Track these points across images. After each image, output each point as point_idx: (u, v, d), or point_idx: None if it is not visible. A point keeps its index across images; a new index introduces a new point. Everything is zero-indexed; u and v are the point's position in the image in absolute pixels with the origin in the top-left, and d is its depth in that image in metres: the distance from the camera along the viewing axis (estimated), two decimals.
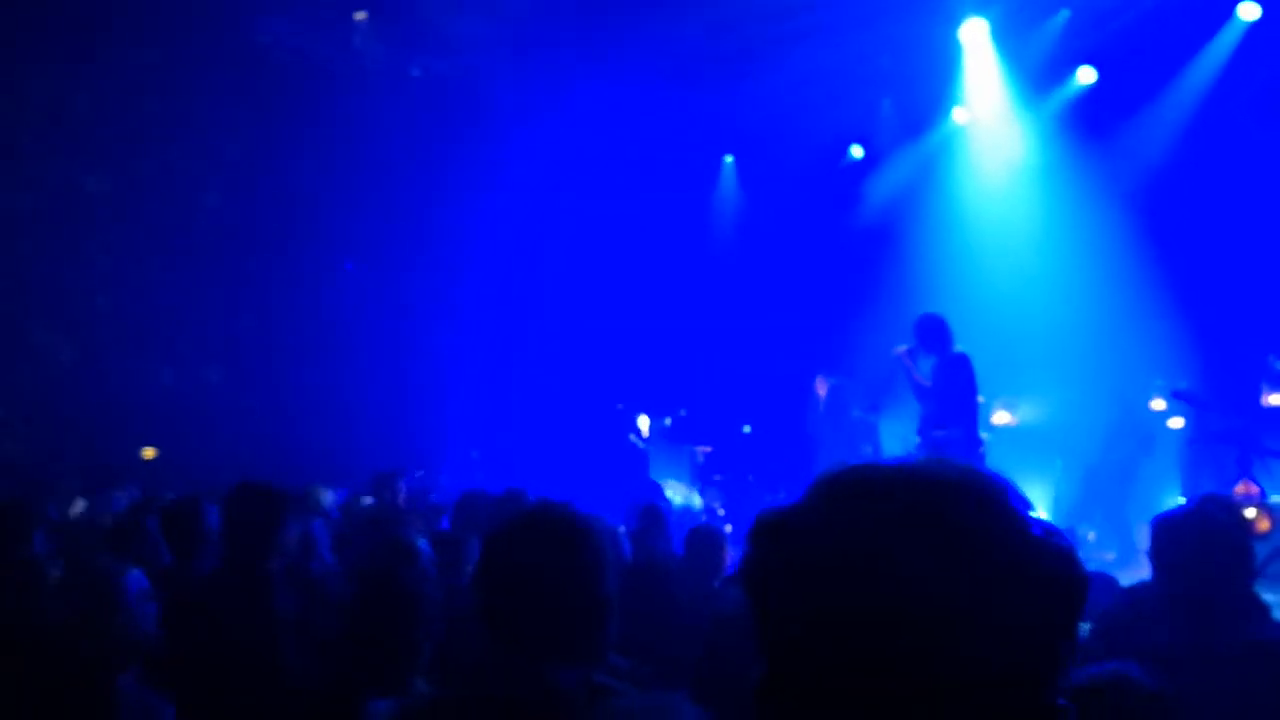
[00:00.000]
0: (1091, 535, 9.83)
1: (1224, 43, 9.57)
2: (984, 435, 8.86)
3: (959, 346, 7.02)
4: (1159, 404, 9.39)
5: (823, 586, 0.78)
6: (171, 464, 11.37)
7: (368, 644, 2.37)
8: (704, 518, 10.25)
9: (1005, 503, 0.82)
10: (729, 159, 13.52)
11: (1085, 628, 5.09)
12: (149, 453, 12.49)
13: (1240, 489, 6.60)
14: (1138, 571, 7.96)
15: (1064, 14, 9.98)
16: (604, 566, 1.80)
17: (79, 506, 7.47)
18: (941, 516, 0.79)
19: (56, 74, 10.29)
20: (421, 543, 3.54)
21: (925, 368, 7.06)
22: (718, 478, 11.15)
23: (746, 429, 11.49)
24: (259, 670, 2.69)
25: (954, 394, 6.89)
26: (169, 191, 11.34)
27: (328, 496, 6.28)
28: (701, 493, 10.84)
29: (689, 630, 3.71)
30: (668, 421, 12.39)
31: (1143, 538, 8.92)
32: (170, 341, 11.95)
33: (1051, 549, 0.82)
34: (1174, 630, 2.81)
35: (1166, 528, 2.98)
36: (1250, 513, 6.29)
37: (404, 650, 2.39)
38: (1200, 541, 2.85)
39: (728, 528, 10.45)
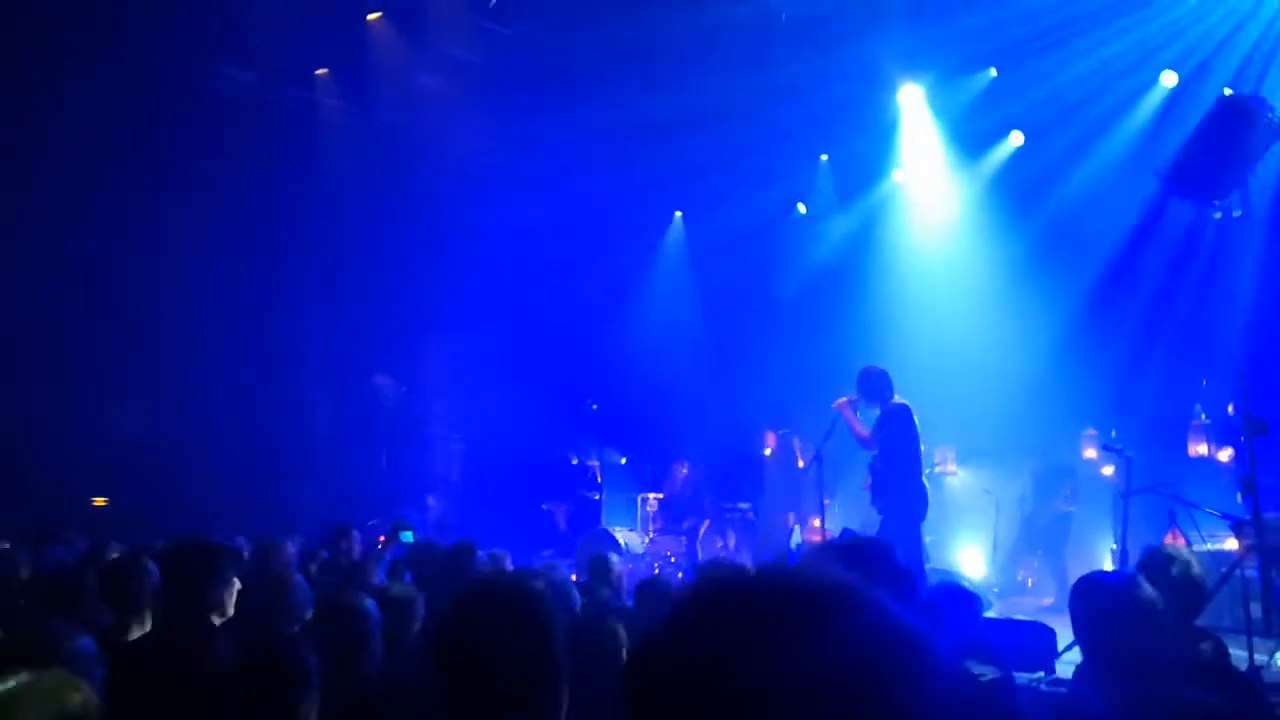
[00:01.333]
0: (1030, 581, 10.10)
1: (1146, 108, 10.08)
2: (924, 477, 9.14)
3: (900, 397, 7.26)
4: (1090, 453, 9.70)
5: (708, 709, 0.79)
6: (125, 512, 11.28)
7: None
8: (656, 568, 10.35)
9: (854, 601, 0.84)
10: (678, 215, 13.86)
11: (1039, 676, 5.28)
12: (99, 501, 12.37)
13: (1168, 540, 6.79)
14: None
15: (990, 72, 10.47)
16: (556, 635, 1.91)
17: (24, 569, 7.41)
18: (802, 625, 0.81)
19: (26, 119, 10.35)
20: (369, 602, 3.59)
21: (870, 419, 7.29)
22: (687, 524, 11.26)
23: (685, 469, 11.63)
24: None
25: (895, 444, 7.11)
26: (126, 236, 11.39)
27: (289, 549, 6.30)
28: (652, 541, 10.94)
29: None
30: (622, 460, 12.54)
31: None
32: (124, 388, 11.90)
33: (900, 638, 0.82)
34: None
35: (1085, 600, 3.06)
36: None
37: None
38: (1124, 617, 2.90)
39: (679, 575, 10.58)
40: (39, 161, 10.61)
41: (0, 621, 3.66)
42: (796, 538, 10.08)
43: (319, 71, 11.47)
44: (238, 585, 3.70)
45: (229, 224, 11.73)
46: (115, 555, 5.58)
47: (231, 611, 3.71)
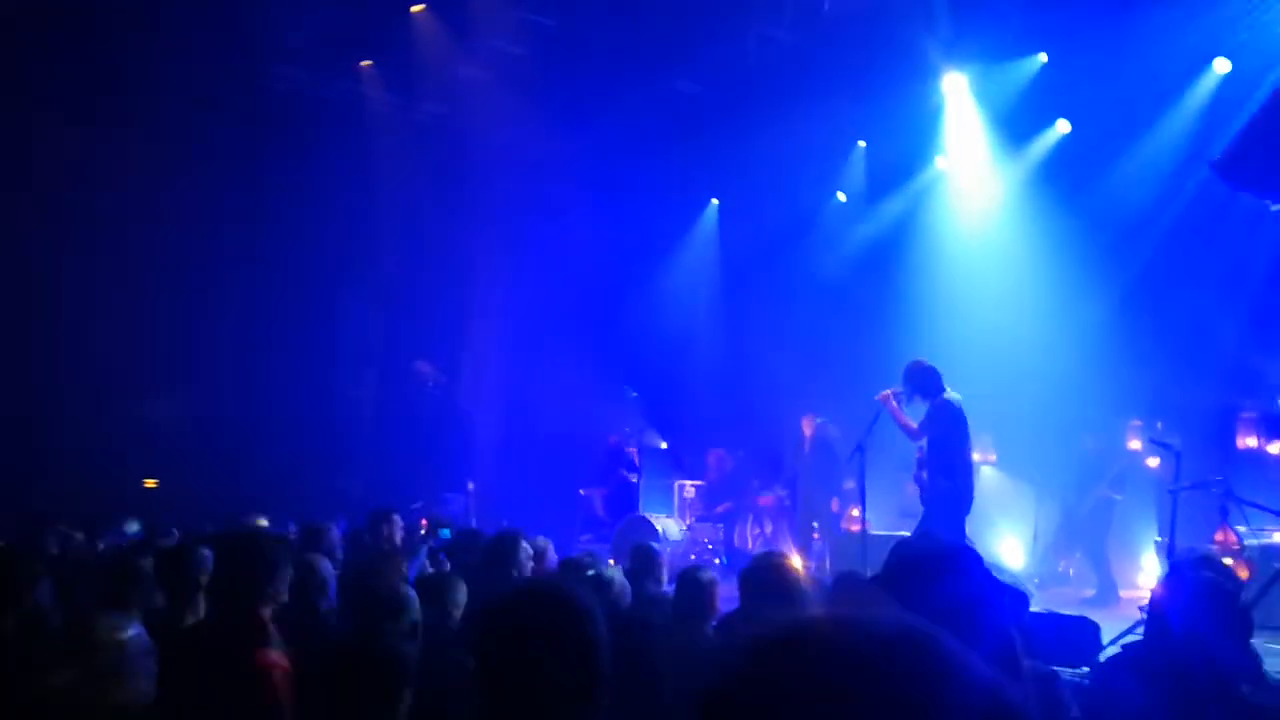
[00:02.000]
0: (1071, 571, 10.01)
1: (1199, 95, 9.84)
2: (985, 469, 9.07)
3: (951, 392, 7.20)
4: (1135, 444, 9.56)
5: None
6: (174, 495, 11.57)
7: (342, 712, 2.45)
8: (692, 555, 10.40)
9: (940, 656, 0.81)
10: (715, 202, 13.82)
11: (1084, 671, 5.26)
12: (150, 483, 12.69)
13: (1219, 537, 6.70)
14: (1115, 608, 8.16)
15: (1037, 59, 10.29)
16: (600, 647, 1.91)
17: (77, 541, 7.63)
18: (886, 686, 0.78)
19: (80, 119, 10.61)
20: (409, 590, 3.67)
21: (916, 413, 7.25)
22: (720, 509, 11.28)
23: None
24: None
25: (944, 440, 7.08)
26: (181, 227, 11.64)
27: (334, 533, 6.43)
28: (690, 528, 10.99)
29: (679, 678, 3.75)
30: (663, 445, 12.59)
31: (1119, 574, 9.09)
32: (174, 373, 12.18)
33: (986, 695, 0.80)
34: (1168, 692, 2.91)
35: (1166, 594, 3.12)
36: (1228, 561, 6.44)
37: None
38: (1198, 611, 2.98)
39: (717, 560, 10.64)
40: (93, 161, 10.86)
41: (59, 606, 3.79)
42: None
43: (364, 64, 11.58)
44: (290, 574, 3.79)
45: (276, 215, 11.94)
46: (170, 541, 5.77)
47: (285, 599, 3.80)
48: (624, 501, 11.88)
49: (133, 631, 2.46)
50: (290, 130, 11.53)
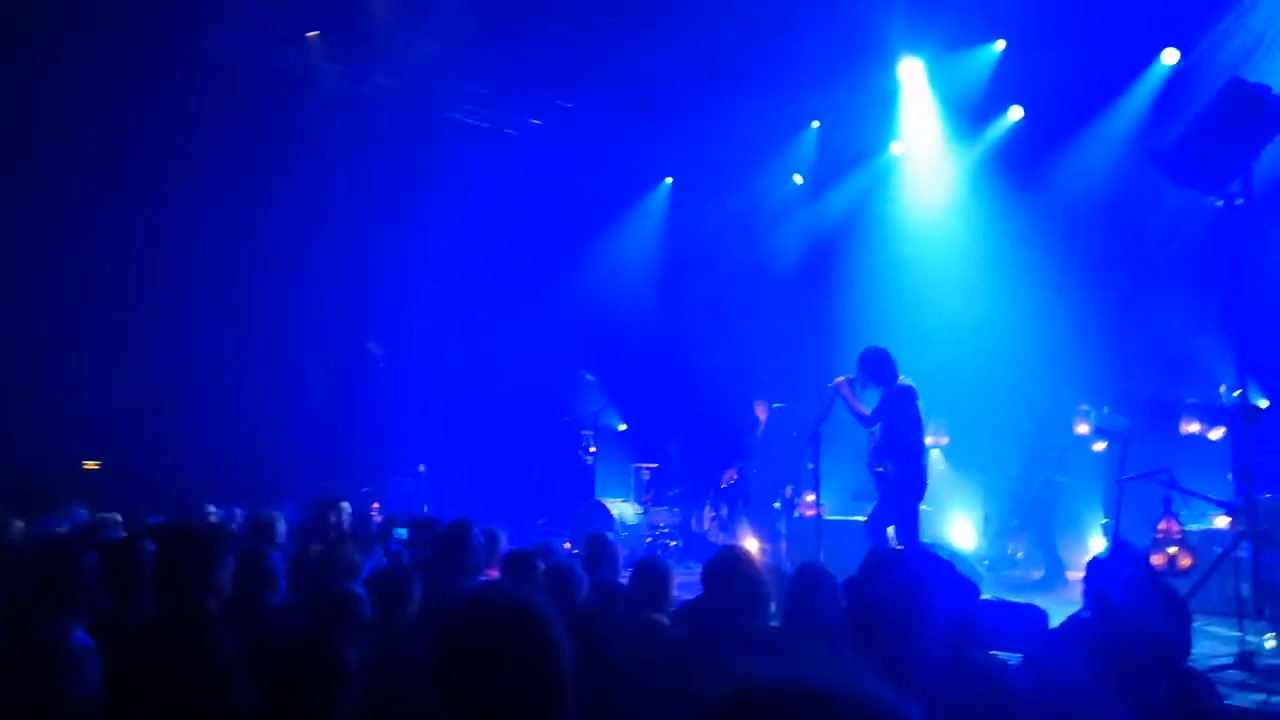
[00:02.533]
0: (1020, 553, 10.20)
1: (1147, 85, 10.02)
2: (934, 456, 9.18)
3: (904, 378, 7.26)
4: (1082, 428, 9.75)
5: None
6: (115, 478, 11.28)
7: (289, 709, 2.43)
8: (648, 538, 10.41)
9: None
10: (668, 180, 13.75)
11: (1016, 658, 5.35)
12: (91, 465, 12.36)
13: (1162, 526, 6.84)
14: (1063, 590, 8.33)
15: (993, 46, 10.38)
16: (561, 653, 1.88)
17: (17, 529, 7.39)
18: None
19: (15, 75, 10.20)
20: (359, 589, 3.61)
21: (870, 399, 7.29)
22: (673, 492, 11.28)
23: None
24: (205, 717, 2.76)
25: (898, 426, 7.13)
26: (118, 202, 11.27)
27: (281, 525, 6.28)
28: (646, 512, 10.99)
29: (635, 669, 3.72)
30: (622, 427, 12.56)
31: (1067, 556, 9.27)
32: (113, 352, 11.84)
33: None
34: (1109, 664, 2.95)
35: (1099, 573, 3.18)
36: (1172, 550, 6.60)
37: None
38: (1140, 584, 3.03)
39: (672, 544, 10.67)
40: (30, 130, 10.47)
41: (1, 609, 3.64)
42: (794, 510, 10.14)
43: (310, 34, 11.28)
44: (232, 565, 3.70)
45: (219, 189, 11.62)
46: (115, 531, 5.59)
47: (228, 591, 3.71)
48: (577, 484, 11.84)
49: (74, 636, 2.37)
50: (235, 99, 11.20)
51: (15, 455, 10.44)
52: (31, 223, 10.89)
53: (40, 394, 11.15)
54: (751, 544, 10.00)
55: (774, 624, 5.03)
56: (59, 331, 11.29)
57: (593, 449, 11.92)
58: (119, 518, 6.73)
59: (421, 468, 12.62)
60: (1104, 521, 9.09)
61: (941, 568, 2.19)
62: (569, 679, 1.89)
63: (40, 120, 10.47)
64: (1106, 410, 9.69)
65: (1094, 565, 3.49)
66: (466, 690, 1.82)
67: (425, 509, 10.50)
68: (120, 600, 3.82)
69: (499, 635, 1.85)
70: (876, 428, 7.23)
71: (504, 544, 5.88)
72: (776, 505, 10.22)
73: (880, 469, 7.17)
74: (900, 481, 7.03)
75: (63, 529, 6.79)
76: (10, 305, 11.03)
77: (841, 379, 7.30)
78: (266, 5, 10.48)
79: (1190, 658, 3.59)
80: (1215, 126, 5.59)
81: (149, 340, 11.88)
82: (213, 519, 7.38)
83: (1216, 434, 8.92)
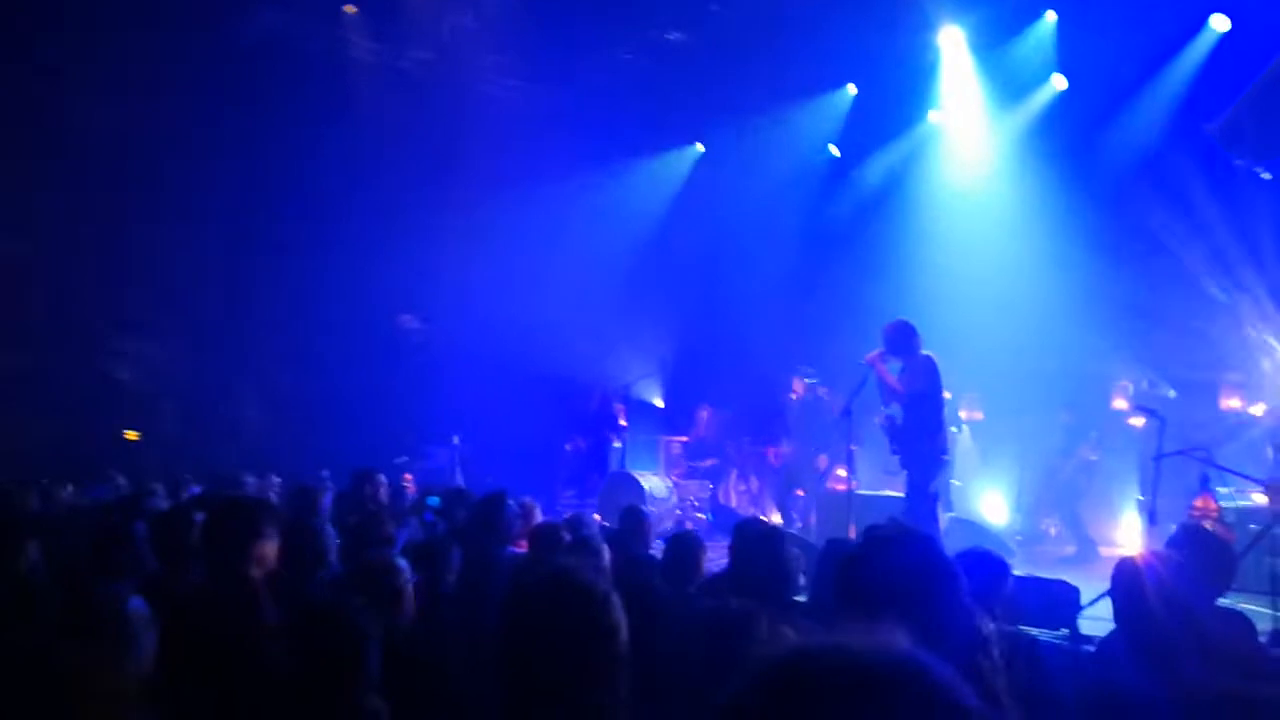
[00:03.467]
0: (1053, 530, 10.15)
1: (1195, 52, 9.77)
2: (953, 430, 9.13)
3: (926, 349, 7.23)
4: (1120, 403, 9.65)
5: None
6: (154, 448, 11.52)
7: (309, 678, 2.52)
8: (678, 511, 10.45)
9: (934, 692, 0.88)
10: (699, 147, 13.62)
11: (1063, 634, 5.33)
12: (132, 435, 12.63)
13: (1199, 504, 6.76)
14: (1095, 565, 8.28)
15: (1049, 15, 10.16)
16: (619, 632, 1.95)
17: (66, 493, 7.59)
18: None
19: (42, 70, 10.35)
20: (400, 560, 3.67)
21: (894, 369, 7.27)
22: (705, 464, 11.30)
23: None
24: (251, 684, 2.83)
25: (920, 396, 7.11)
26: (158, 179, 11.43)
27: (326, 498, 6.38)
28: (676, 485, 11.03)
29: (669, 643, 3.74)
30: (659, 403, 12.56)
31: (1101, 532, 9.19)
32: (153, 324, 12.05)
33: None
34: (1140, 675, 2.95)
35: (1125, 579, 3.16)
36: (1208, 527, 6.51)
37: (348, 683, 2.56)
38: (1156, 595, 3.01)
39: (701, 516, 10.71)
40: (63, 104, 10.62)
41: (43, 567, 3.75)
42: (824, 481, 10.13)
43: (346, 8, 11.29)
44: (275, 537, 3.78)
45: (259, 166, 11.73)
46: (156, 500, 5.73)
47: (273, 563, 3.79)
48: (603, 458, 11.90)
49: (131, 604, 2.45)
50: (268, 76, 11.26)
51: (56, 426, 10.70)
52: (77, 196, 11.07)
53: (79, 364, 11.41)
54: (775, 516, 10.04)
55: (801, 598, 5.07)
56: (98, 303, 11.51)
57: (623, 422, 11.96)
58: (159, 488, 6.89)
59: (456, 439, 12.72)
60: (1139, 498, 9.00)
61: (932, 546, 2.19)
62: (624, 656, 1.96)
63: (81, 98, 10.60)
64: (1146, 385, 9.58)
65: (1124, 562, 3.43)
66: (529, 666, 1.87)
67: (459, 480, 10.61)
68: (169, 567, 3.93)
69: (563, 614, 1.91)
70: (897, 410, 7.20)
71: (538, 516, 5.96)
72: (800, 493, 10.22)
73: (896, 437, 7.15)
74: (923, 451, 7.01)
75: (107, 497, 6.97)
76: (48, 280, 11.26)
77: (874, 354, 7.26)
78: None
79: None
80: (1268, 98, 5.46)
81: (190, 315, 12.09)
82: (249, 489, 7.53)
83: (1259, 409, 8.80)
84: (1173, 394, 8.87)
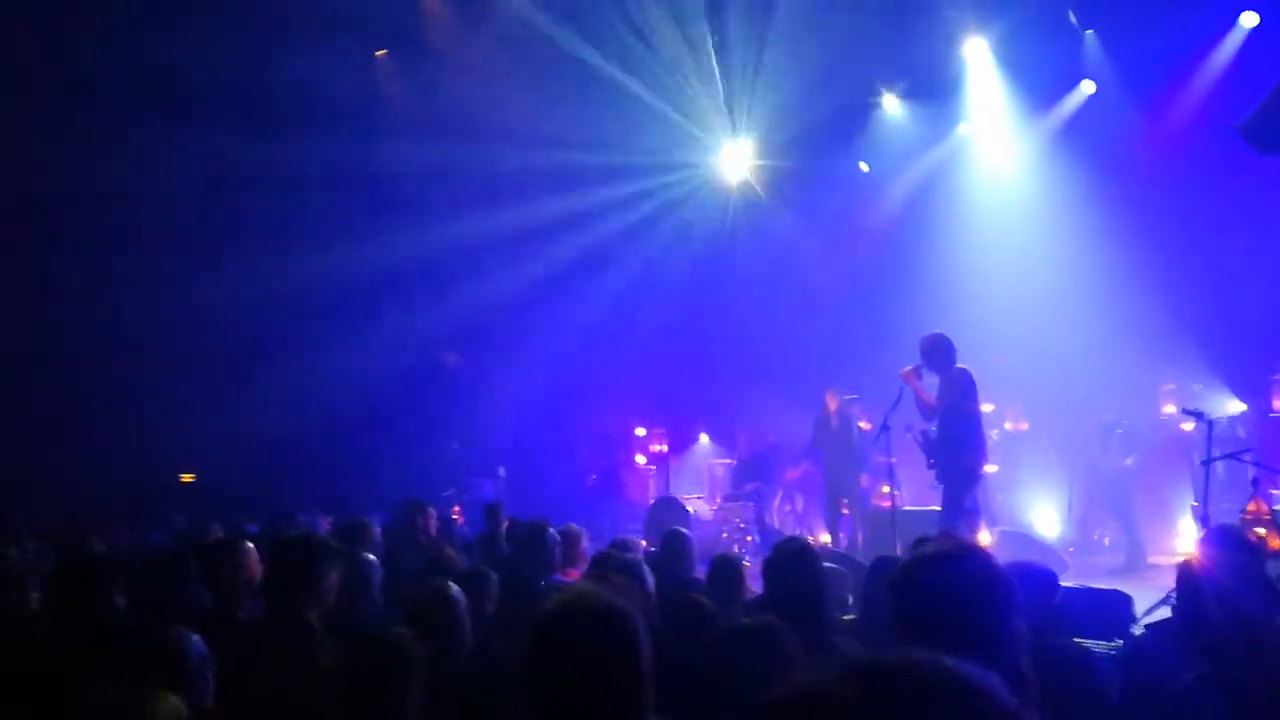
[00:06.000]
0: (1107, 540, 9.97)
1: (1225, 50, 9.67)
2: (993, 434, 9.04)
3: (961, 363, 7.19)
4: (1169, 408, 9.48)
5: None
6: (208, 489, 11.78)
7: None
8: (725, 534, 10.43)
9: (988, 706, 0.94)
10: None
11: (1117, 645, 5.26)
12: (187, 478, 12.93)
13: (1251, 507, 6.63)
14: (1143, 575, 8.13)
15: (1068, 18, 10.13)
16: (642, 645, 1.96)
17: (123, 537, 7.80)
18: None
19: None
20: (455, 588, 3.72)
21: (931, 386, 7.24)
22: (749, 488, 11.28)
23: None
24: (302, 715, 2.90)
25: (956, 409, 7.06)
26: (210, 223, 11.80)
27: (375, 530, 6.49)
28: (720, 508, 11.01)
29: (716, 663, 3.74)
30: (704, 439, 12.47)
31: (1157, 540, 8.99)
32: (204, 366, 12.37)
33: None
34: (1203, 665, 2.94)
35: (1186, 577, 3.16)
36: (1261, 531, 6.38)
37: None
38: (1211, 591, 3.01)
39: (749, 539, 10.67)
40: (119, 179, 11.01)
41: (111, 615, 3.85)
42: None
43: (378, 53, 11.58)
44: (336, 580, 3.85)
45: (307, 211, 12.03)
46: (213, 537, 5.86)
47: (333, 599, 3.86)
48: (615, 487, 11.97)
49: (192, 644, 2.54)
50: (305, 118, 11.52)
51: (112, 471, 10.99)
52: (113, 249, 11.44)
53: (135, 408, 11.73)
54: (824, 536, 9.97)
55: (850, 617, 5.05)
56: (150, 346, 11.85)
57: (663, 448, 12.01)
58: (218, 527, 7.06)
59: (502, 471, 12.84)
60: (1193, 504, 8.82)
61: (981, 558, 2.18)
62: (650, 679, 1.97)
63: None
64: (1196, 389, 9.41)
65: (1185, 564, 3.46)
66: (553, 688, 1.91)
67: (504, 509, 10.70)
68: (222, 602, 4.02)
69: (583, 635, 1.94)
70: (933, 426, 7.15)
71: (584, 543, 6.00)
72: (844, 502, 10.14)
73: (933, 463, 7.09)
74: (967, 469, 6.95)
75: (165, 538, 7.15)
76: (100, 325, 11.60)
77: (909, 368, 7.24)
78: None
79: None
80: None
81: (232, 360, 12.38)
82: (303, 527, 7.67)
83: None
84: (1220, 399, 8.67)
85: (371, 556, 4.58)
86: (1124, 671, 3.79)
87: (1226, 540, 3.76)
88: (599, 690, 1.90)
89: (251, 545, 4.32)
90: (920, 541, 3.03)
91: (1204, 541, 3.89)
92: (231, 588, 4.13)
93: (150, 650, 2.45)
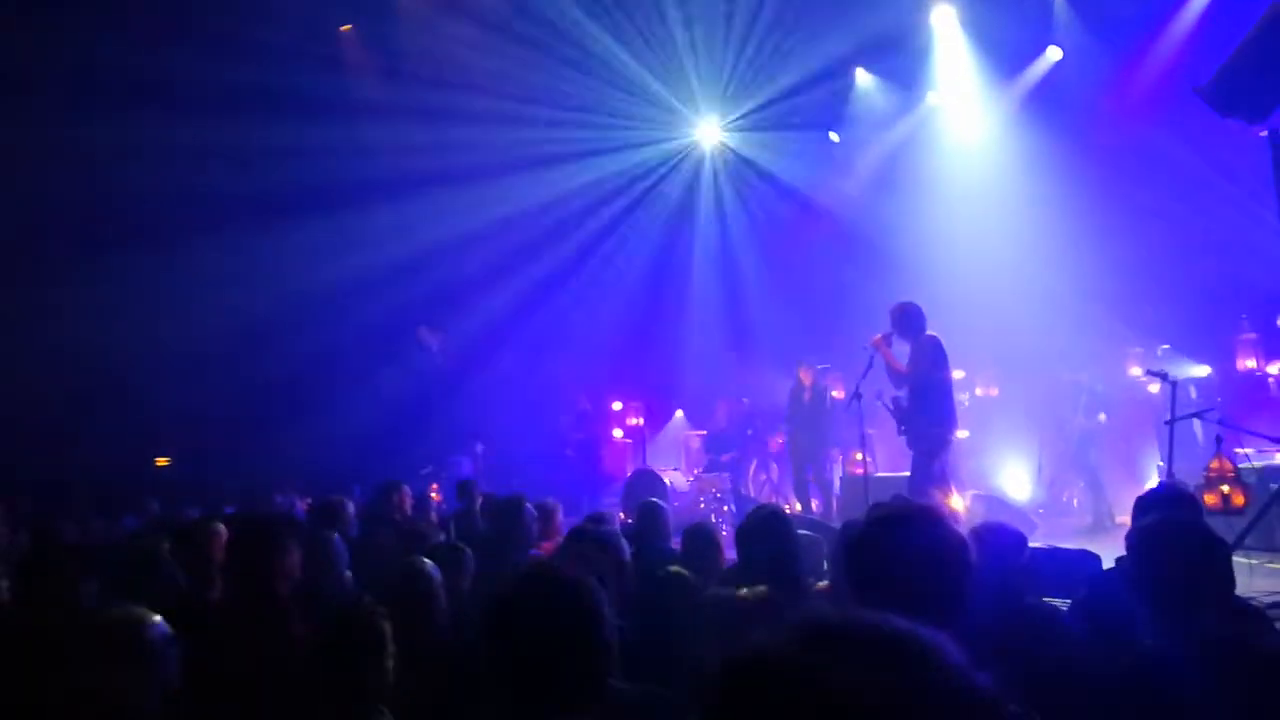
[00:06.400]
0: (1076, 501, 10.13)
1: (1191, 12, 9.71)
2: (963, 399, 9.12)
3: (931, 330, 7.24)
4: (1135, 370, 9.61)
5: None
6: (184, 473, 11.73)
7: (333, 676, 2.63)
8: (702, 504, 10.50)
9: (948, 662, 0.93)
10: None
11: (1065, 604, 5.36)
12: (162, 461, 12.86)
13: (1214, 465, 6.75)
14: (1110, 535, 8.26)
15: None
16: (601, 614, 2.01)
17: (97, 525, 7.77)
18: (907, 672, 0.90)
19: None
20: (431, 566, 3.75)
21: (901, 353, 7.29)
22: (726, 458, 11.34)
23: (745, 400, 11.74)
24: (280, 699, 2.92)
25: (925, 376, 7.13)
26: (186, 215, 11.68)
27: (349, 508, 6.50)
28: (696, 479, 11.08)
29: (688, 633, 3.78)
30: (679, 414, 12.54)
31: (1125, 501, 9.13)
32: (178, 349, 12.26)
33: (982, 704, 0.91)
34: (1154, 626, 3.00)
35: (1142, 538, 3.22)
36: (1224, 489, 6.50)
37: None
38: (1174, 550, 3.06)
39: (726, 508, 10.76)
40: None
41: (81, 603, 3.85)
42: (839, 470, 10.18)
43: (343, 28, 11.42)
44: (299, 554, 3.87)
45: (274, 194, 11.91)
46: (186, 521, 5.85)
47: (298, 575, 3.88)
48: (593, 459, 12.03)
49: (154, 628, 2.54)
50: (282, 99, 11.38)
51: (89, 456, 10.92)
52: (105, 238, 11.31)
53: (110, 395, 11.63)
54: (796, 504, 10.06)
55: (824, 584, 5.11)
56: (127, 336, 11.73)
57: (639, 420, 12.05)
58: (195, 512, 7.05)
59: (479, 447, 12.85)
60: (1159, 464, 8.97)
61: (934, 520, 2.22)
62: (610, 647, 2.02)
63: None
64: (1160, 352, 9.54)
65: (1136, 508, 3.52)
66: (513, 660, 1.96)
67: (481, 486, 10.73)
68: (197, 583, 4.04)
69: (541, 603, 1.99)
70: (903, 393, 7.22)
71: (559, 518, 6.03)
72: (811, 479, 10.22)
73: (904, 429, 7.16)
74: (935, 435, 7.02)
75: (137, 524, 7.13)
76: (74, 314, 11.47)
77: (879, 336, 7.29)
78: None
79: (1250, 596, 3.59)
80: (1259, 54, 5.44)
81: (209, 345, 12.28)
82: (278, 507, 7.68)
83: (1276, 368, 8.76)
84: (1186, 361, 8.78)
85: (336, 535, 4.59)
86: (1087, 621, 3.84)
87: (1159, 503, 3.84)
88: (558, 658, 1.93)
89: (224, 527, 4.33)
90: (876, 506, 3.07)
91: (1135, 507, 3.95)
92: (205, 570, 4.16)
93: (110, 633, 2.45)
